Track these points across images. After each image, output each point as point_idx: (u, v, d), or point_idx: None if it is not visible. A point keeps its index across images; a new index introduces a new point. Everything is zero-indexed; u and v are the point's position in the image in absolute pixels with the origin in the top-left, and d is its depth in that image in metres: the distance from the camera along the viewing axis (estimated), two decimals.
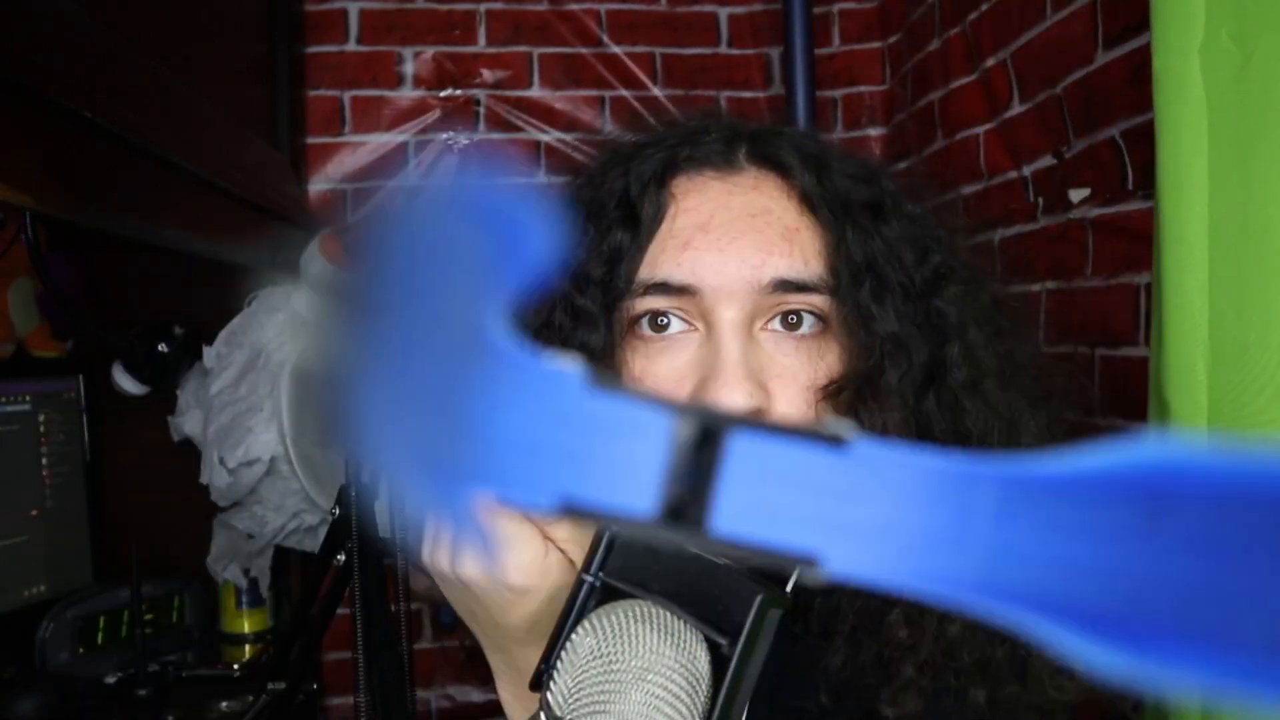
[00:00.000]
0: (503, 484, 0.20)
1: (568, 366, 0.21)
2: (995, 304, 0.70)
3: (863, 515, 0.19)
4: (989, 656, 0.61)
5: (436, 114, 1.74)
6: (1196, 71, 0.71)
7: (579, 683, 0.48)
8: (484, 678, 1.93)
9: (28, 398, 1.43)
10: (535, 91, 1.76)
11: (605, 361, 0.65)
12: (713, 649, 0.49)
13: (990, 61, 1.39)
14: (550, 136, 1.76)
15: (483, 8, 1.75)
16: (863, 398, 0.62)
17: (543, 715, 0.49)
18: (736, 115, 0.75)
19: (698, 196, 0.66)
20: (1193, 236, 0.73)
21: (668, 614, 0.49)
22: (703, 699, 0.47)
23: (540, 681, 0.51)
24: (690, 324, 0.64)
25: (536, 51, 1.76)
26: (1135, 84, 1.05)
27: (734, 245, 0.63)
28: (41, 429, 1.45)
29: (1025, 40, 1.29)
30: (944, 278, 0.67)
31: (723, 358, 0.61)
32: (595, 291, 0.66)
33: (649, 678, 0.46)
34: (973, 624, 0.61)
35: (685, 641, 0.48)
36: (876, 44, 1.79)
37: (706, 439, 0.20)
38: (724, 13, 1.80)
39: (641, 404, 0.20)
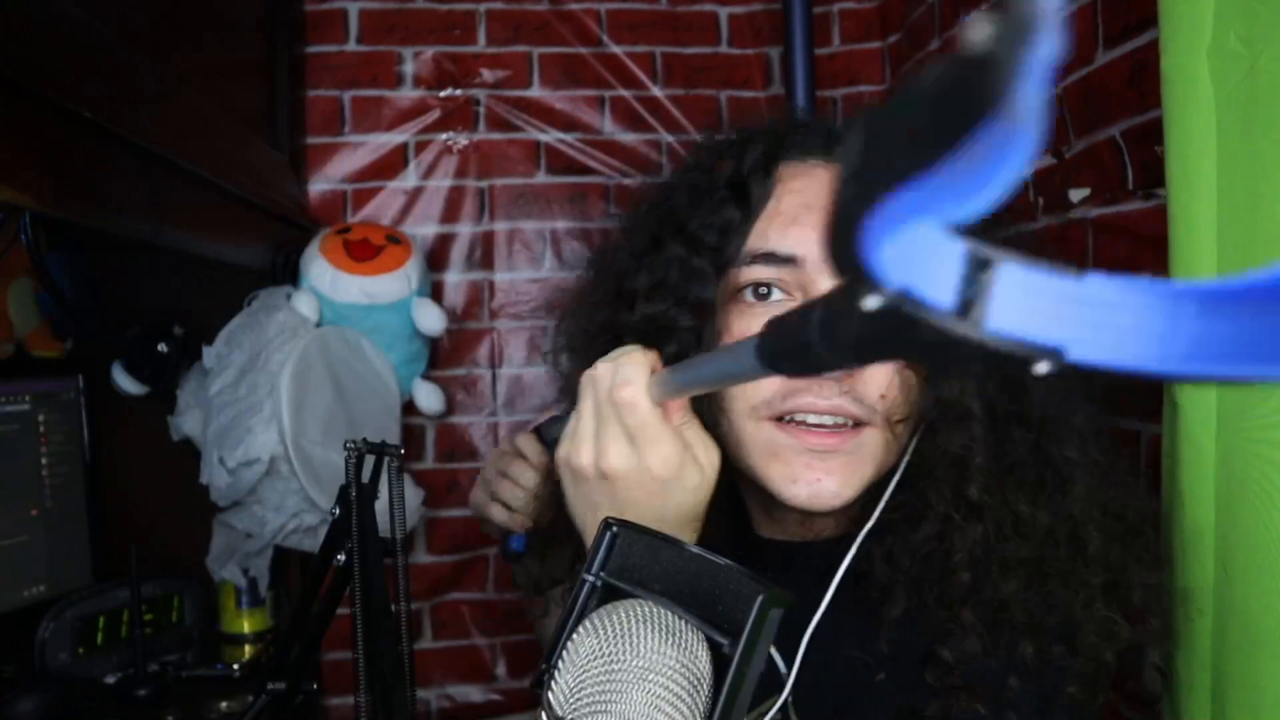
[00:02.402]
0: (914, 268, 0.25)
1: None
2: None
3: (1096, 319, 0.25)
4: (1038, 619, 0.65)
5: (436, 114, 1.74)
6: (1205, 72, 0.71)
7: (580, 682, 0.48)
8: (484, 678, 1.92)
9: (28, 398, 1.43)
10: (535, 91, 1.76)
11: (710, 319, 0.73)
12: (714, 649, 0.49)
13: None
14: (550, 136, 1.76)
15: (483, 8, 1.75)
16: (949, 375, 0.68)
17: (544, 715, 0.49)
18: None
19: (804, 179, 0.73)
20: (1201, 236, 0.73)
21: (669, 614, 0.49)
22: (704, 699, 0.47)
23: (540, 681, 0.51)
24: (789, 294, 0.71)
25: (536, 51, 1.76)
26: (1135, 84, 1.04)
27: None
28: (41, 429, 1.45)
29: None
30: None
31: None
32: (708, 256, 0.72)
33: (650, 678, 0.46)
34: (1027, 584, 0.66)
35: (686, 641, 0.48)
36: (876, 44, 1.79)
37: (986, 263, 0.25)
38: (724, 13, 1.80)
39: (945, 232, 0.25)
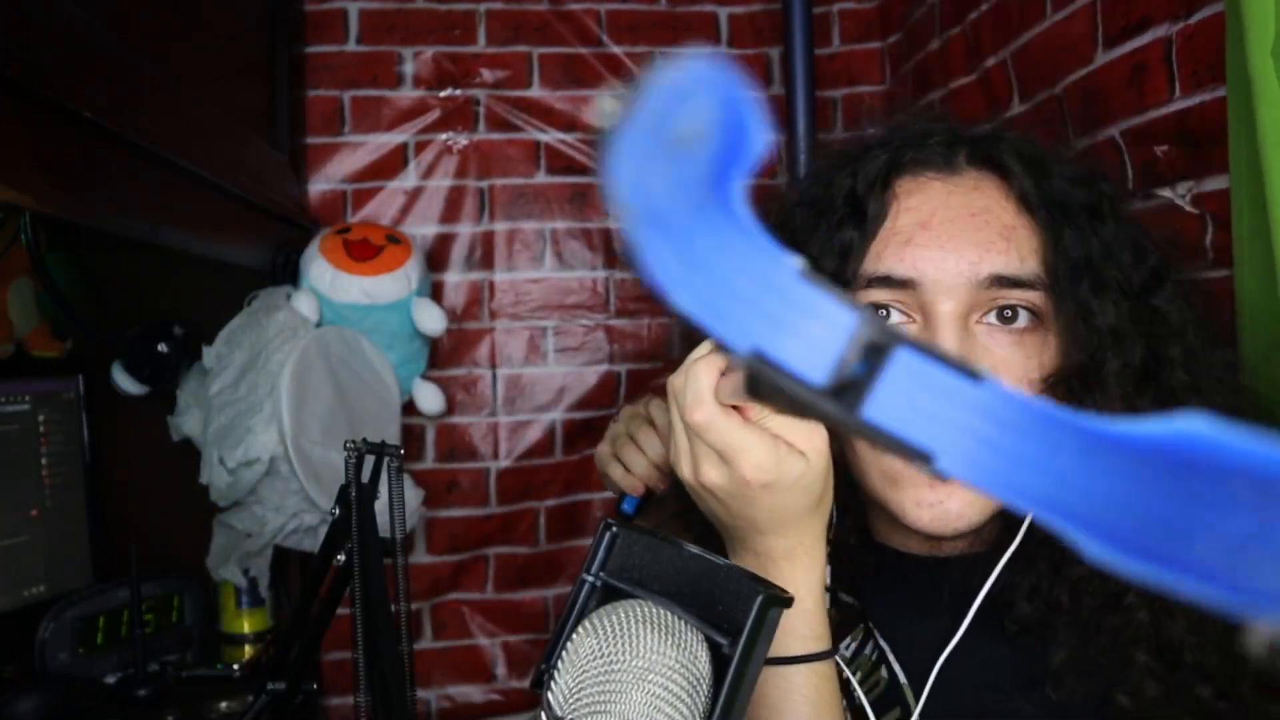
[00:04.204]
0: (715, 320, 0.24)
1: (789, 255, 0.25)
2: (1209, 312, 0.71)
3: (977, 431, 0.23)
4: (1209, 659, 0.62)
5: (436, 114, 1.74)
6: (1271, 71, 0.71)
7: (580, 683, 0.48)
8: (484, 678, 1.92)
9: (27, 398, 1.43)
10: (535, 91, 1.76)
11: None
12: (713, 649, 0.49)
13: (990, 61, 1.39)
14: (550, 136, 1.76)
15: (483, 8, 1.75)
16: (1079, 391, 0.64)
17: (543, 715, 0.49)
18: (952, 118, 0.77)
19: (920, 196, 0.70)
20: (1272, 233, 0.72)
21: (668, 614, 0.49)
22: (704, 699, 0.47)
23: (540, 681, 0.51)
24: (909, 316, 0.68)
25: (536, 51, 1.76)
26: (1135, 84, 1.04)
27: (954, 242, 0.66)
28: (41, 429, 1.45)
29: (1025, 40, 1.29)
30: (1161, 279, 0.68)
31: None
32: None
33: (650, 678, 0.46)
34: (1196, 621, 0.62)
35: (686, 641, 0.48)
36: (876, 44, 1.79)
37: (879, 346, 0.24)
38: (724, 13, 1.80)
39: (839, 301, 0.24)
